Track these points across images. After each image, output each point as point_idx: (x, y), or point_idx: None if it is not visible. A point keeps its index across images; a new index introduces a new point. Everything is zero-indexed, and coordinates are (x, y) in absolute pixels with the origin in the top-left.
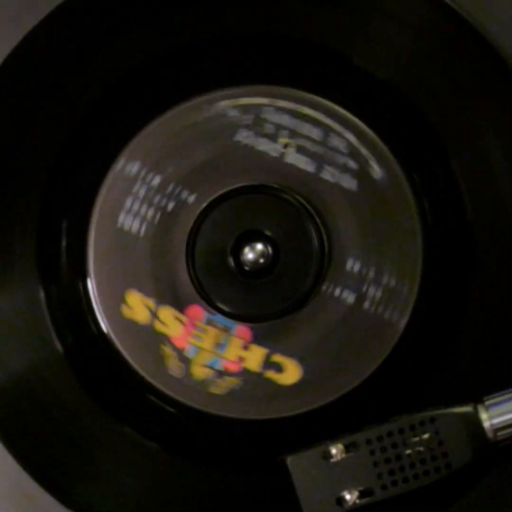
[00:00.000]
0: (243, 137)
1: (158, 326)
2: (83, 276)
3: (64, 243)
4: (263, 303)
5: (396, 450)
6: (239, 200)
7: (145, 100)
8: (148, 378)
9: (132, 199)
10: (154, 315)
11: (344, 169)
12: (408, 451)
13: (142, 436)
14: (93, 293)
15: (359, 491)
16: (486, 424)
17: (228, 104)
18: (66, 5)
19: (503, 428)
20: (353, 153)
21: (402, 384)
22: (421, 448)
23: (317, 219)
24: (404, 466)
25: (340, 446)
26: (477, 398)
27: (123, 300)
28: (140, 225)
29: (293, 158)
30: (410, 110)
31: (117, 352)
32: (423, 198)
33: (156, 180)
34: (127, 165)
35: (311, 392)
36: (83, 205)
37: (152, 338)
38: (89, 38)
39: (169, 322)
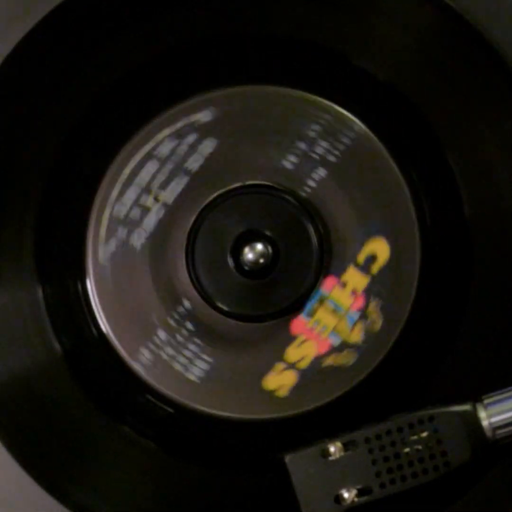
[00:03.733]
0: None
1: (301, 364)
2: (82, 276)
3: (63, 243)
4: (263, 303)
5: (394, 448)
6: (239, 200)
7: (146, 99)
8: (147, 378)
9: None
10: (292, 365)
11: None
12: (407, 450)
13: (140, 436)
14: (92, 294)
15: (358, 490)
16: (485, 423)
17: None
18: (66, 5)
19: (502, 426)
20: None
21: (401, 383)
22: (420, 447)
23: (316, 219)
24: (402, 465)
25: (338, 444)
26: (476, 396)
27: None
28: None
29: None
30: (409, 110)
31: (115, 353)
32: (421, 197)
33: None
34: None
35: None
36: (83, 204)
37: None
38: (88, 38)
39: (302, 350)
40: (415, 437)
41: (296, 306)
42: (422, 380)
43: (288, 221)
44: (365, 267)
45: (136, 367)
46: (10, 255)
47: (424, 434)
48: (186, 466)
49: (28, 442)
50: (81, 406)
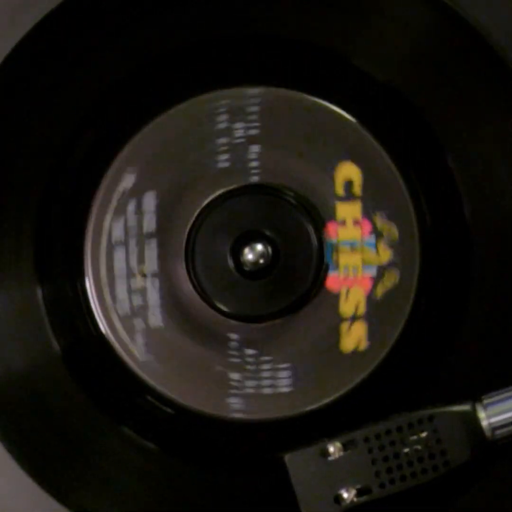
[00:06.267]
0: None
1: (360, 310)
2: (81, 276)
3: (61, 243)
4: (263, 303)
5: (394, 448)
6: (239, 200)
7: (147, 100)
8: (146, 378)
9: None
10: (353, 317)
11: None
12: (406, 449)
13: (140, 437)
14: (91, 293)
15: (357, 489)
16: (484, 423)
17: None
18: (66, 5)
19: (501, 426)
20: None
21: (401, 383)
22: (419, 446)
23: (316, 219)
24: (402, 464)
25: (338, 444)
26: (476, 396)
27: None
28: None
29: None
30: (409, 111)
31: (114, 353)
32: (421, 199)
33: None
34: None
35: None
36: (81, 205)
37: None
38: (88, 38)
39: (352, 299)
40: (414, 437)
41: (296, 305)
42: (422, 380)
43: (288, 221)
44: (348, 195)
45: (135, 367)
46: (9, 255)
47: (424, 434)
48: (186, 467)
49: (27, 442)
50: (80, 406)
